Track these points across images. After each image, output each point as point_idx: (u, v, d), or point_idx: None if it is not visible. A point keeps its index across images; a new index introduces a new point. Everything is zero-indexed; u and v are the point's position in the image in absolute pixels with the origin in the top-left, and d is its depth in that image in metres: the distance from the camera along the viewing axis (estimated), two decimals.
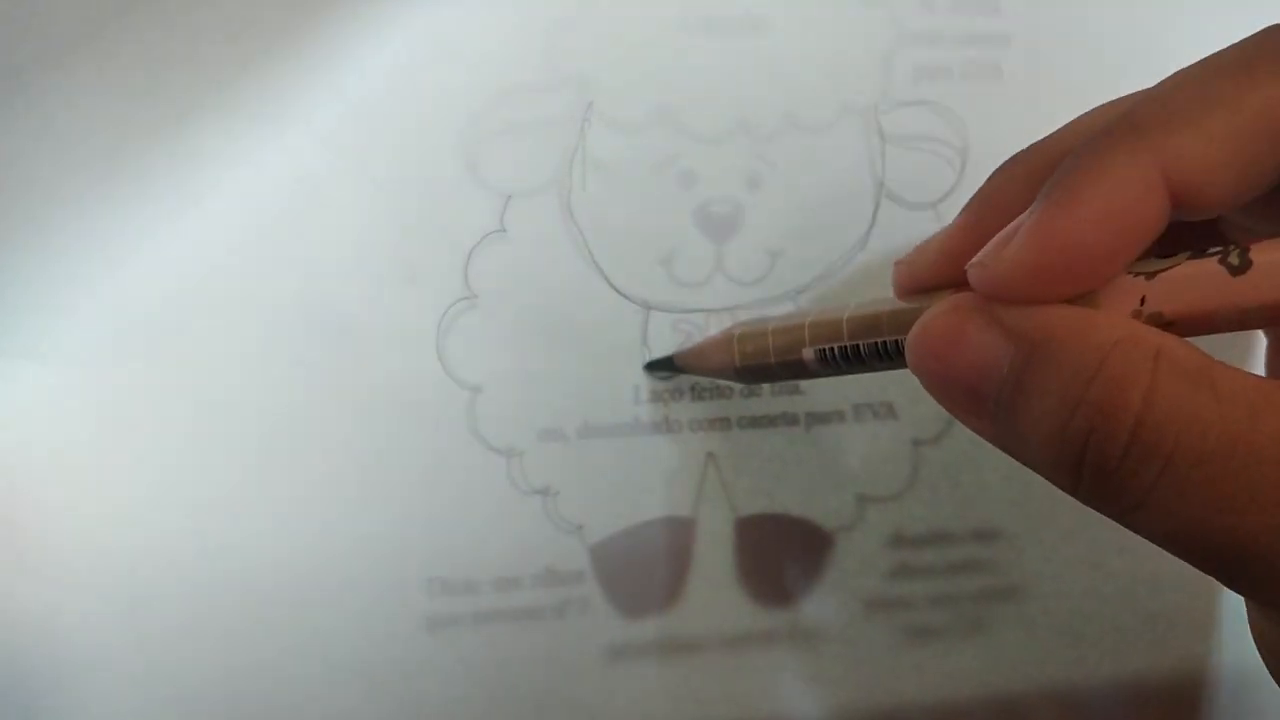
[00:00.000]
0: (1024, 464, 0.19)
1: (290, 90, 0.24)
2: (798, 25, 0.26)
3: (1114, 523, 0.30)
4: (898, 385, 0.28)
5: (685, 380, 0.27)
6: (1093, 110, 0.22)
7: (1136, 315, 0.18)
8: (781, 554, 0.28)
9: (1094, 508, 0.18)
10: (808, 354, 0.23)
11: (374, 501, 0.26)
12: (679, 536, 0.28)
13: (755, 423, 0.28)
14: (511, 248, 0.26)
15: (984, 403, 0.19)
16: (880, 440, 0.28)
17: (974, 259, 0.19)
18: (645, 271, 0.26)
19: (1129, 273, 0.18)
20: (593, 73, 0.25)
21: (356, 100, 0.25)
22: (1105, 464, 0.17)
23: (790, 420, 0.28)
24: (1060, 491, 0.29)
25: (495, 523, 0.26)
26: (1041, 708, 0.30)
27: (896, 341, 0.21)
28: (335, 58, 0.24)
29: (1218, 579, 0.18)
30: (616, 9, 0.25)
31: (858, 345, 0.22)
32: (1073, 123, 0.22)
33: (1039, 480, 0.29)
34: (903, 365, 0.21)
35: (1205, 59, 0.19)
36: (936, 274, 0.21)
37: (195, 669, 0.25)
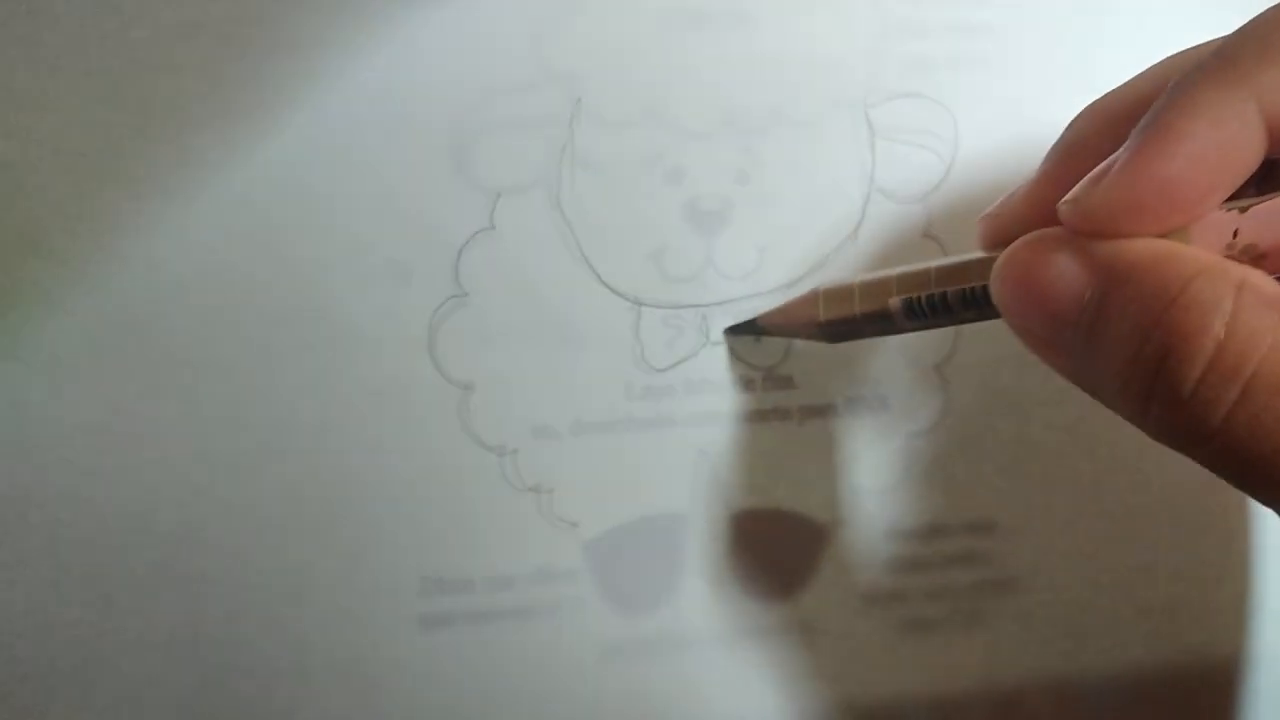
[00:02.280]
0: (1096, 396, 0.19)
1: (280, 90, 0.24)
2: (784, 19, 0.26)
3: (1109, 515, 0.30)
4: (891, 378, 0.28)
5: (677, 376, 0.27)
6: (1168, 58, 0.22)
7: (1230, 248, 0.18)
8: (776, 549, 0.28)
9: (1164, 439, 0.18)
10: (894, 304, 0.23)
11: (367, 501, 0.26)
12: (673, 533, 0.27)
13: (748, 418, 0.27)
14: (502, 245, 0.26)
15: (1062, 333, 0.19)
16: (873, 433, 0.28)
17: (1066, 196, 0.19)
18: (635, 267, 0.26)
19: (1221, 208, 0.18)
20: (581, 70, 0.25)
21: (346, 99, 0.24)
22: (1179, 389, 0.17)
23: (783, 415, 0.28)
24: (1056, 483, 0.29)
25: (489, 521, 0.26)
26: (1039, 699, 0.30)
27: (985, 287, 0.21)
28: (325, 57, 0.24)
29: None
30: (604, 6, 0.25)
31: (945, 293, 0.22)
32: (1147, 70, 0.22)
33: (1035, 471, 0.29)
34: (991, 315, 0.21)
35: None
36: (1022, 224, 0.21)
37: (190, 669, 0.25)
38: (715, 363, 0.27)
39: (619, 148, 0.26)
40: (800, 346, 0.27)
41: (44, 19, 0.23)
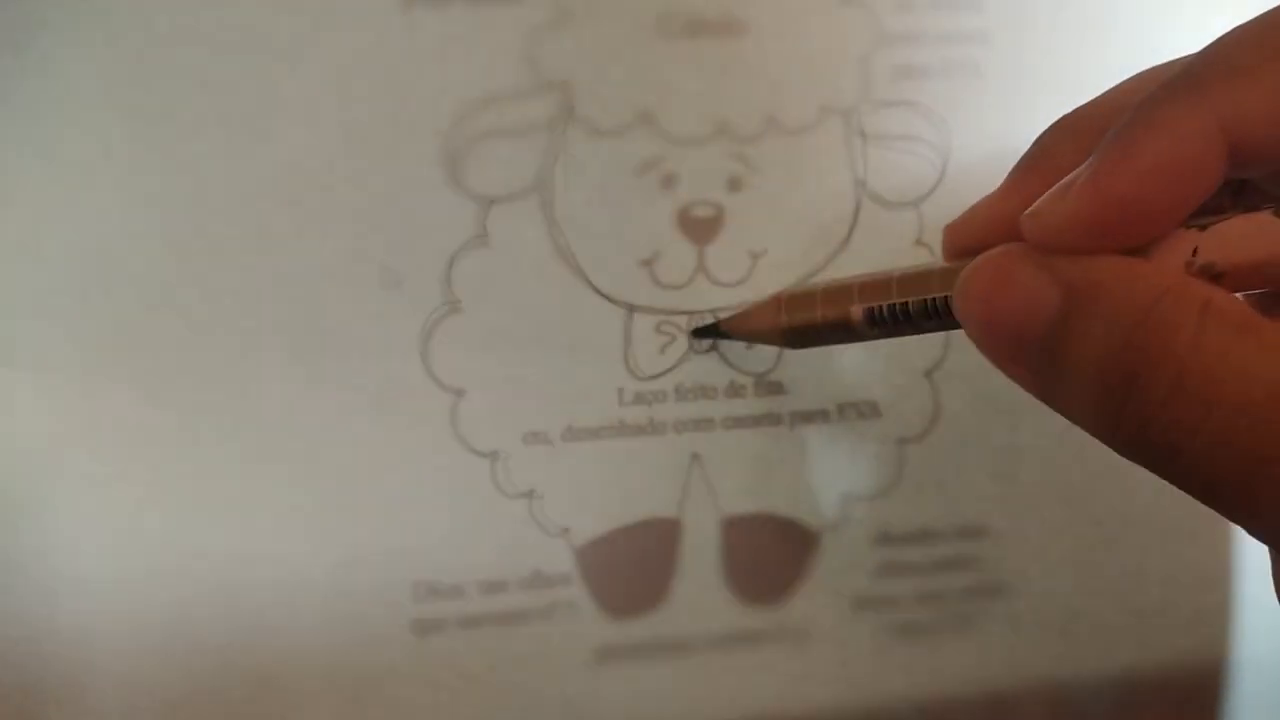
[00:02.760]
0: (1063, 414, 0.19)
1: (272, 97, 0.24)
2: (777, 27, 0.26)
3: (1099, 520, 0.30)
4: (881, 384, 0.28)
5: (669, 381, 0.27)
6: (1140, 73, 0.22)
7: (1189, 266, 0.18)
8: (768, 553, 0.28)
9: (1132, 457, 0.18)
10: (856, 312, 0.23)
11: (359, 507, 0.26)
12: (665, 538, 0.28)
13: (740, 423, 0.28)
14: (494, 253, 0.26)
15: (1027, 349, 0.19)
16: (865, 439, 0.28)
17: (1028, 210, 0.19)
18: (627, 274, 0.26)
19: (1182, 225, 0.18)
20: (573, 77, 0.25)
21: (338, 107, 0.25)
22: (1147, 409, 0.17)
23: (774, 420, 0.28)
24: (1046, 488, 0.29)
25: (481, 526, 0.26)
26: (1030, 704, 0.30)
27: (946, 298, 0.21)
28: (316, 64, 0.24)
29: (1253, 531, 0.18)
30: (595, 14, 0.25)
31: (907, 303, 0.22)
32: (1119, 85, 0.22)
33: (1025, 476, 0.30)
34: (952, 325, 0.21)
35: (1263, 14, 0.19)
36: (985, 235, 0.21)
37: (183, 675, 0.25)
38: (707, 369, 0.27)
39: (611, 155, 0.26)
40: (791, 353, 0.27)
41: (36, 25, 0.23)
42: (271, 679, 0.26)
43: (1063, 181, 0.19)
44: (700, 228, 0.27)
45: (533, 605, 0.27)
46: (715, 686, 0.28)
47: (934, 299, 0.21)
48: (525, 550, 0.27)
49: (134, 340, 0.24)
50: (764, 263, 0.27)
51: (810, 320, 0.24)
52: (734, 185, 0.27)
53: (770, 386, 0.28)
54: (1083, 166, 0.18)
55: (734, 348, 0.27)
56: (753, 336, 0.26)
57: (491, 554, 0.27)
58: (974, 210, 0.22)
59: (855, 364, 0.28)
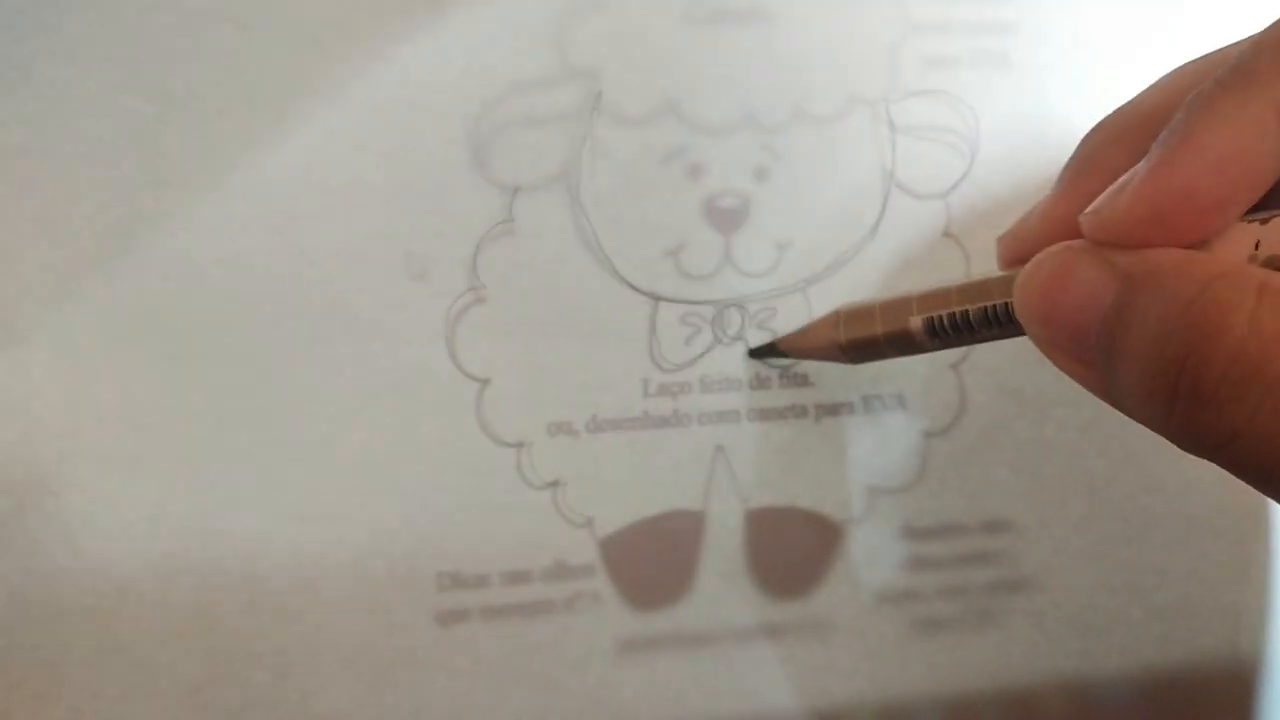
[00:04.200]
0: (1121, 408, 0.19)
1: (300, 81, 0.24)
2: (805, 16, 0.26)
3: (1122, 515, 0.30)
4: (907, 376, 0.28)
5: (694, 373, 0.27)
6: (1173, 71, 0.22)
7: (1252, 259, 0.18)
8: (792, 547, 0.28)
9: (1186, 443, 0.18)
10: (915, 323, 0.23)
11: (383, 495, 0.26)
12: (689, 529, 0.27)
13: (764, 415, 0.27)
14: (520, 240, 0.26)
15: (1085, 343, 0.19)
16: (890, 432, 0.28)
17: (1088, 208, 0.19)
18: (653, 263, 0.26)
19: (1242, 220, 0.18)
20: (601, 65, 0.25)
21: (366, 92, 0.24)
22: (1201, 389, 0.17)
23: (799, 412, 0.28)
24: (1070, 483, 0.29)
25: (505, 516, 0.26)
26: (1051, 699, 0.30)
27: (1006, 305, 0.21)
28: (345, 50, 0.24)
29: None
30: (624, 2, 0.25)
31: (967, 311, 0.22)
32: (1155, 84, 0.22)
33: (1049, 472, 0.29)
34: (1013, 333, 0.21)
35: None
36: (1041, 242, 0.21)
37: (204, 658, 0.25)
38: (732, 360, 0.27)
39: (638, 144, 0.26)
40: None
41: (63, 6, 0.23)
42: (293, 664, 0.26)
43: (1121, 179, 0.19)
44: (726, 217, 0.26)
45: (556, 596, 0.27)
46: (737, 679, 0.28)
47: (993, 306, 0.21)
48: (549, 541, 0.27)
49: (157, 324, 0.24)
50: (790, 253, 0.27)
51: (870, 334, 0.24)
52: (761, 175, 0.27)
53: (795, 379, 0.27)
54: (1141, 163, 0.18)
55: (758, 338, 0.27)
56: (811, 354, 0.26)
57: (515, 544, 0.26)
58: (1027, 218, 0.22)
59: None
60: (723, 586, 0.28)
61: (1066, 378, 0.28)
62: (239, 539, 0.25)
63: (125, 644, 0.25)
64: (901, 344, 0.24)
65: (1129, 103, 0.22)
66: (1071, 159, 0.22)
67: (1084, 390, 0.28)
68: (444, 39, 0.25)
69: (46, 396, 0.24)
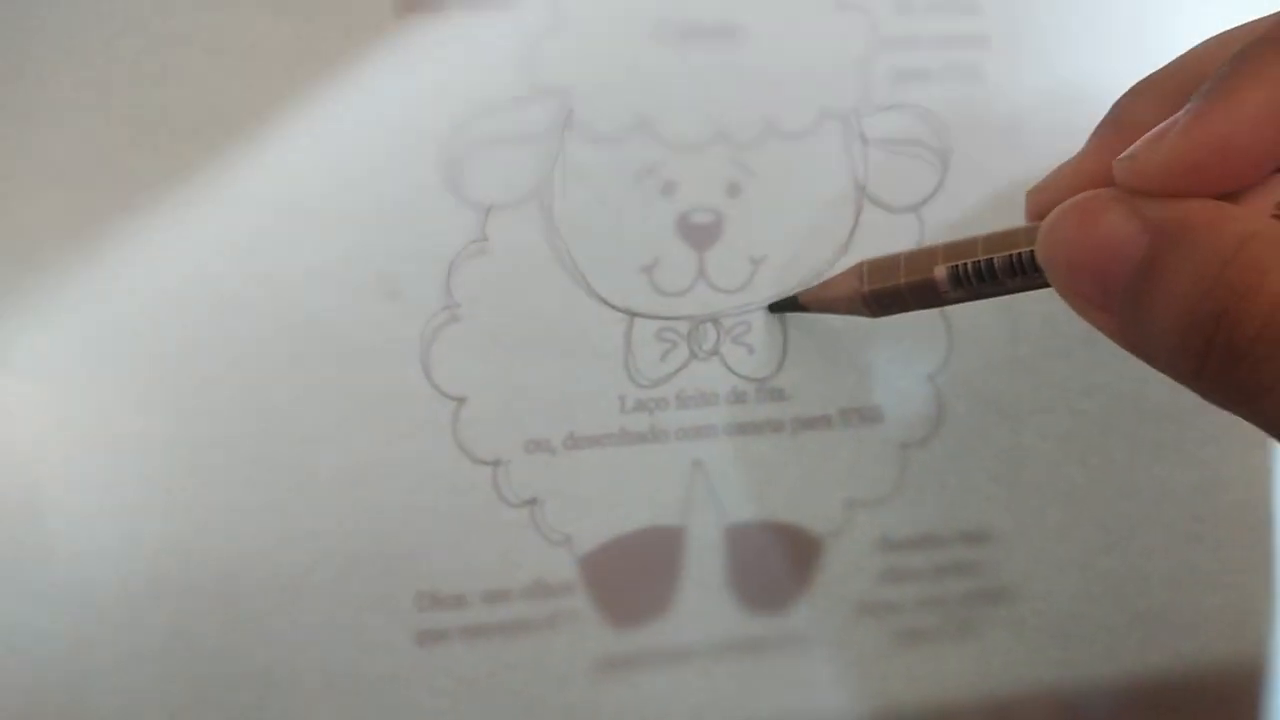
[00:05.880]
0: (1145, 357, 0.19)
1: (270, 103, 0.24)
2: (774, 32, 0.26)
3: (1101, 523, 0.30)
4: (884, 389, 0.28)
5: (670, 388, 0.27)
6: (1210, 39, 0.22)
7: (1277, 209, 0.18)
8: (771, 560, 0.28)
9: (1215, 397, 0.18)
10: (940, 272, 0.23)
11: (360, 515, 0.26)
12: (668, 545, 0.27)
13: (742, 429, 0.27)
14: (494, 259, 0.26)
15: (1111, 291, 0.19)
16: (867, 444, 0.28)
17: (1123, 154, 0.19)
18: (628, 280, 0.26)
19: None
20: (571, 84, 0.25)
21: (338, 115, 0.24)
22: (1236, 345, 0.17)
23: (776, 426, 0.28)
24: (1049, 492, 0.29)
25: (483, 535, 0.26)
26: (1032, 709, 0.30)
27: (1033, 253, 0.21)
28: (314, 73, 0.24)
29: None
30: (592, 19, 0.25)
31: (992, 260, 0.22)
32: (1193, 49, 0.22)
33: (1028, 481, 0.29)
34: (1038, 283, 0.21)
35: None
36: (1069, 195, 0.21)
37: (184, 682, 0.25)
38: (708, 376, 0.27)
39: (610, 161, 0.26)
40: (793, 359, 0.27)
41: (32, 29, 0.23)
42: (272, 687, 0.26)
43: (1158, 128, 0.19)
44: (700, 233, 0.27)
45: (535, 614, 0.27)
46: (718, 694, 0.28)
47: (1019, 254, 0.22)
48: (527, 559, 0.27)
49: (130, 347, 0.24)
50: (764, 268, 0.27)
51: (893, 284, 0.24)
52: (733, 191, 0.27)
53: (772, 393, 0.28)
54: (1179, 114, 0.19)
55: (734, 353, 0.27)
56: (833, 307, 0.26)
57: (494, 563, 0.26)
58: (1057, 172, 0.23)
59: (857, 369, 0.28)
60: (703, 602, 0.28)
61: (1044, 386, 0.29)
62: (217, 561, 0.25)
63: (104, 668, 0.25)
64: (925, 294, 0.24)
65: (1165, 66, 0.22)
66: (1105, 116, 0.22)
67: (1061, 398, 0.29)
68: (414, 59, 0.25)
69: (21, 421, 0.24)
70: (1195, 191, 0.19)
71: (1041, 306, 0.28)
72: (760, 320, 0.27)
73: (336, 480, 0.25)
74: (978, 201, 0.28)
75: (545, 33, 0.25)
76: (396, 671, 0.26)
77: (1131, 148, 0.19)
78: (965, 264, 0.23)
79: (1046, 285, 0.21)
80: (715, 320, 0.27)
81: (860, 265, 0.25)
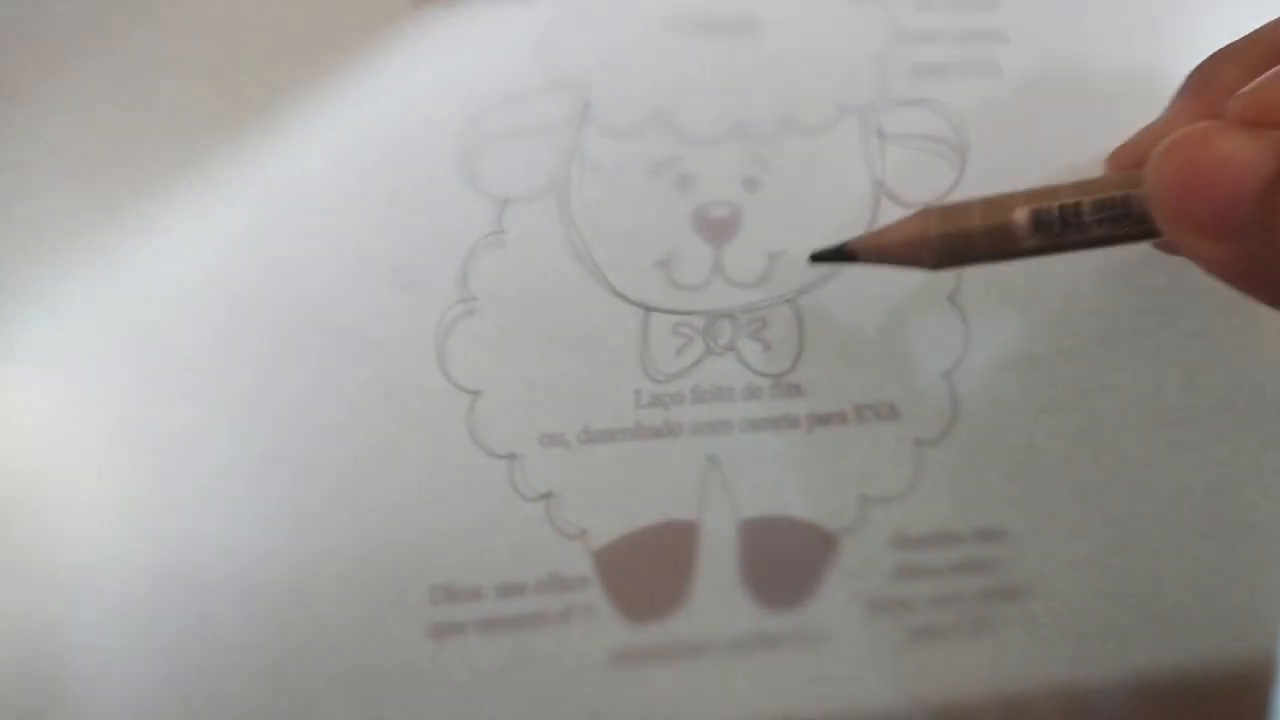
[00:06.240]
0: (1263, 285, 0.19)
1: (287, 93, 0.24)
2: (793, 26, 0.26)
3: (1115, 521, 0.30)
4: (899, 385, 0.28)
5: (686, 383, 0.27)
6: None
7: None
8: (785, 556, 0.28)
9: None
10: (1021, 215, 0.22)
11: (375, 509, 0.26)
12: (682, 540, 0.27)
13: (757, 425, 0.27)
14: (510, 252, 0.25)
15: (1232, 217, 0.18)
16: (882, 441, 0.28)
17: (1240, 91, 0.19)
18: (644, 275, 0.26)
19: None
20: (588, 76, 0.25)
21: (354, 106, 0.24)
22: None
23: (791, 422, 0.28)
24: (1063, 490, 0.29)
25: (498, 529, 0.26)
26: (1045, 707, 0.30)
27: (1126, 197, 0.20)
28: (331, 64, 0.24)
29: None
30: (610, 12, 0.25)
31: (1080, 203, 0.21)
32: (1272, 23, 0.22)
33: (1042, 479, 0.29)
34: (1125, 235, 0.20)
35: None
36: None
37: (197, 674, 0.25)
38: (724, 371, 0.27)
39: (627, 154, 0.26)
40: (809, 354, 0.27)
41: (48, 18, 0.23)
42: (287, 679, 0.26)
43: (1271, 72, 0.19)
44: (716, 228, 0.26)
45: (550, 608, 0.27)
46: (732, 689, 0.28)
47: (1110, 196, 0.21)
48: (542, 553, 0.27)
49: (145, 337, 0.24)
50: (781, 263, 0.27)
51: (966, 228, 0.23)
52: (750, 185, 0.26)
53: (787, 388, 0.27)
54: None
55: (750, 348, 0.27)
56: (890, 256, 0.24)
57: (508, 556, 0.26)
58: (1141, 133, 0.22)
59: (873, 366, 0.28)
60: (717, 597, 0.28)
61: (1059, 384, 0.29)
62: (231, 553, 0.25)
63: (117, 660, 0.25)
64: (1000, 241, 0.22)
65: (1243, 37, 0.22)
66: (1186, 80, 0.22)
67: (1076, 396, 0.28)
68: (431, 51, 0.25)
69: (35, 412, 0.24)
70: None
71: (1058, 305, 0.28)
72: (776, 315, 0.27)
73: (351, 473, 0.25)
74: None
75: (562, 25, 0.25)
76: (411, 664, 0.26)
77: (1248, 86, 0.19)
78: (1051, 206, 0.21)
79: (1134, 238, 0.20)
80: (731, 315, 0.27)
81: (928, 209, 0.24)
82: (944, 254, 0.23)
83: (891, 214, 0.27)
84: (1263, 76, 0.19)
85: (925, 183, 0.27)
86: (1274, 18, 0.22)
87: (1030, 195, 0.22)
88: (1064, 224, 0.21)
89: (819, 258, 0.26)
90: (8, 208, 0.23)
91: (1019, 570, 0.29)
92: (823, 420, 0.28)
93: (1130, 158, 0.22)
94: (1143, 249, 0.27)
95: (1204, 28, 0.28)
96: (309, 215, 0.25)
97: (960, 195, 0.27)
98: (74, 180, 0.24)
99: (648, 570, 0.27)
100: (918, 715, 0.29)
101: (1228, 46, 0.22)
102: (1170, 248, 0.22)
